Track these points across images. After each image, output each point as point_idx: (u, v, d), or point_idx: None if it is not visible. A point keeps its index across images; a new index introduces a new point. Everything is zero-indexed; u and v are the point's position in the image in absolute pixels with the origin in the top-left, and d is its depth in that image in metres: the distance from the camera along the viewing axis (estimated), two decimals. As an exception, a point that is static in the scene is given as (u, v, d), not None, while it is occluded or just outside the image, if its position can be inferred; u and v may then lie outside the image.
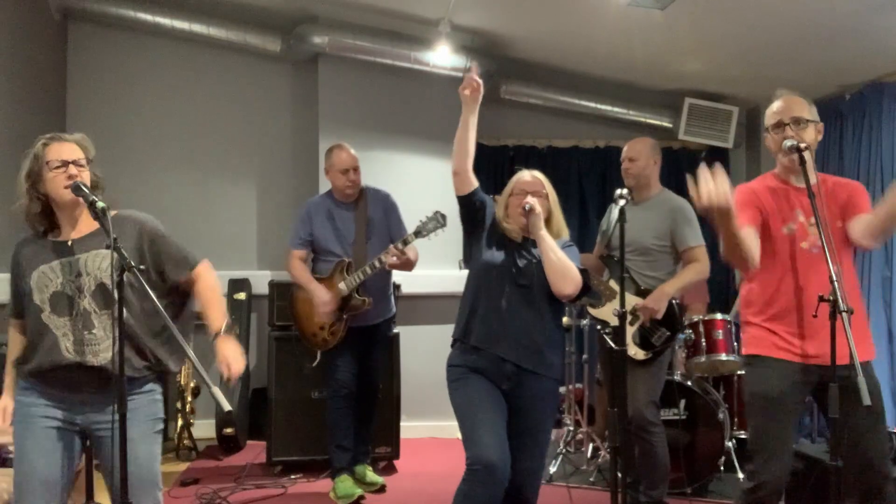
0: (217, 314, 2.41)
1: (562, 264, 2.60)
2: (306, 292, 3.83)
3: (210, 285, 2.46)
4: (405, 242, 3.65)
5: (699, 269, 3.35)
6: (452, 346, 2.74)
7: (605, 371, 3.74)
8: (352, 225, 3.88)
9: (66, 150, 2.24)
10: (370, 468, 4.08)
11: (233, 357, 2.31)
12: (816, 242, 2.42)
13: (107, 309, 2.24)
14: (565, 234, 2.79)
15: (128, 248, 2.23)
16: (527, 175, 2.79)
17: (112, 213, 2.18)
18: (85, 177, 2.25)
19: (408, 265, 3.82)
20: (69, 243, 2.27)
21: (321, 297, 3.74)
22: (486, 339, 2.60)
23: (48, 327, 2.21)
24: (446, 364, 2.71)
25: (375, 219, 3.91)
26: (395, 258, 3.65)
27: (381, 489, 3.96)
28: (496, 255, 2.68)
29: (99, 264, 2.25)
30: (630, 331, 3.32)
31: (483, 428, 2.49)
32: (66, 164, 2.21)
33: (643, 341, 3.34)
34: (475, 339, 2.61)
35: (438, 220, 3.56)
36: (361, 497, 3.80)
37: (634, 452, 3.38)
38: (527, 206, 2.64)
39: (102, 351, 2.21)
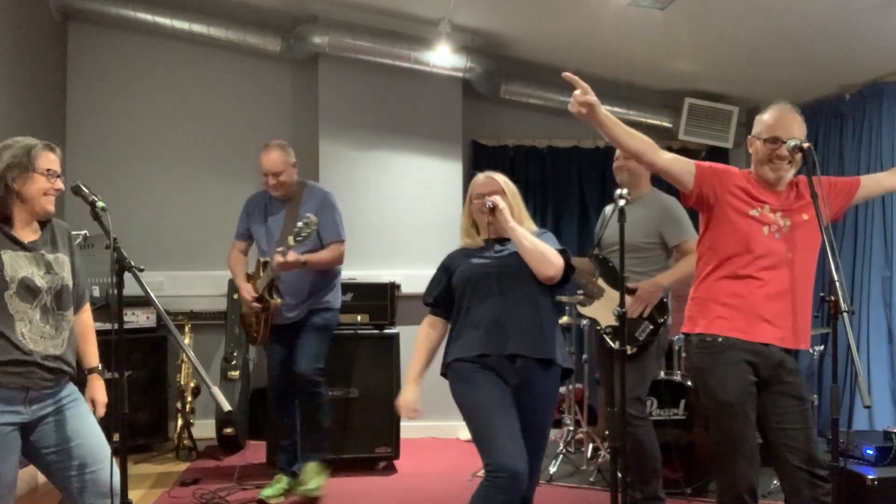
0: (94, 350, 2.49)
1: (538, 249, 2.57)
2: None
3: (91, 323, 2.52)
4: (288, 247, 3.51)
5: (693, 260, 3.35)
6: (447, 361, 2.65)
7: (602, 369, 3.74)
8: (280, 222, 3.84)
9: (56, 161, 2.30)
10: (317, 469, 3.78)
11: (100, 397, 2.44)
12: (782, 228, 2.49)
13: (61, 311, 2.30)
14: (531, 225, 2.74)
15: (67, 254, 2.35)
16: (480, 178, 2.77)
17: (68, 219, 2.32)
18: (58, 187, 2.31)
19: (310, 266, 3.69)
20: (26, 242, 2.28)
21: (245, 294, 3.79)
22: (488, 344, 2.53)
23: (6, 307, 2.19)
24: (445, 361, 2.63)
25: (303, 215, 3.63)
26: (279, 261, 3.52)
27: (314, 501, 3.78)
28: (467, 271, 2.64)
29: (64, 266, 2.33)
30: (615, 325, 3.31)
31: (504, 434, 2.42)
32: (56, 175, 2.27)
33: (628, 336, 3.34)
34: (478, 348, 2.53)
35: (308, 224, 3.42)
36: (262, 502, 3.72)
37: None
38: (489, 204, 2.60)
39: (51, 347, 2.25)
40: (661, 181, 3.67)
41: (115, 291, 2.12)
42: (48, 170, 2.25)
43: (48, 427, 2.25)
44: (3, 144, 2.24)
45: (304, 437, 3.88)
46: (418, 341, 2.74)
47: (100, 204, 2.16)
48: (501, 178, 2.75)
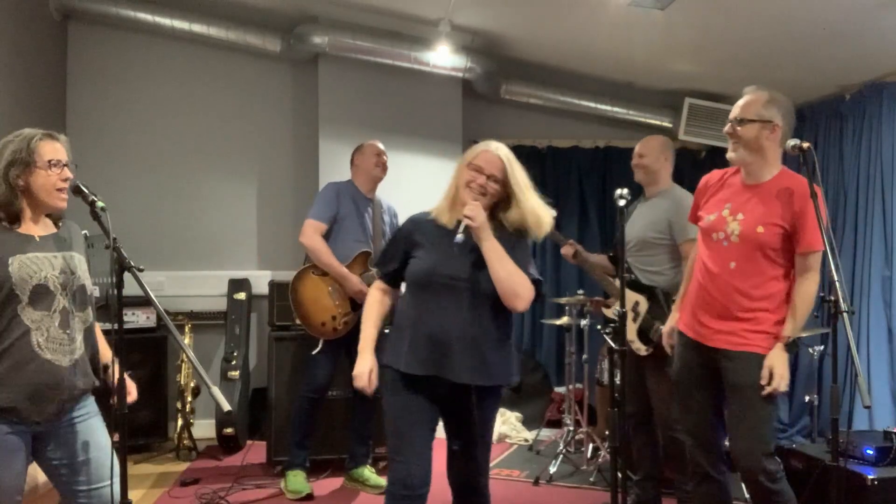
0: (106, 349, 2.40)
1: (511, 280, 2.33)
2: (324, 277, 3.83)
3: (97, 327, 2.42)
4: None
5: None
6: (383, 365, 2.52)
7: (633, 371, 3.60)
8: (369, 220, 4.00)
9: (60, 150, 2.22)
10: (372, 469, 4.07)
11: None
12: (730, 236, 2.61)
13: (80, 312, 2.24)
14: (532, 220, 2.44)
15: (81, 253, 2.30)
16: (487, 151, 2.44)
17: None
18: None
19: None
20: (37, 239, 2.21)
21: (356, 285, 3.78)
22: (418, 364, 2.39)
23: (20, 319, 2.10)
24: (386, 358, 2.50)
25: (385, 222, 4.08)
26: None
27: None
28: (434, 272, 2.41)
29: (80, 265, 2.26)
30: (633, 327, 3.37)
31: (412, 452, 2.38)
32: (63, 165, 2.20)
33: (641, 336, 3.36)
34: (406, 366, 2.41)
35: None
36: (310, 496, 3.79)
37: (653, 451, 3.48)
38: (463, 223, 2.35)
39: (71, 353, 2.19)
40: (681, 179, 3.71)
41: (115, 291, 2.11)
42: (50, 161, 2.16)
43: (59, 439, 2.21)
44: (5, 141, 2.18)
45: (359, 443, 4.06)
46: (370, 307, 2.58)
47: (99, 204, 2.13)
48: (504, 154, 2.45)
